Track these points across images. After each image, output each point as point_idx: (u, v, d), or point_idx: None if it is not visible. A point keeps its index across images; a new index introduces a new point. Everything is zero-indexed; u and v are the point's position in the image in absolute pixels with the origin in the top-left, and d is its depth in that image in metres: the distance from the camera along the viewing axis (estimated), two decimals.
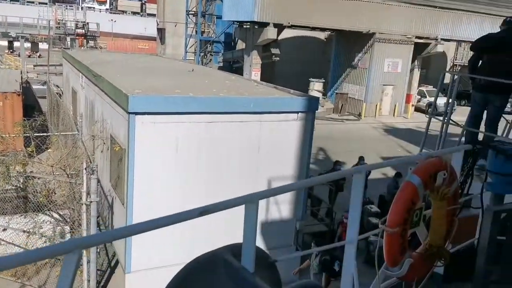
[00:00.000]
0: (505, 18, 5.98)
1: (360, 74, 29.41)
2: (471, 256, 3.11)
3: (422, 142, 5.47)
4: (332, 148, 19.24)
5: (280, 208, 8.75)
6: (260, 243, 8.76)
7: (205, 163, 7.90)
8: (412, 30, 28.51)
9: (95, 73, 10.25)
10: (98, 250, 8.27)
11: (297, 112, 8.51)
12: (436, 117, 6.07)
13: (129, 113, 7.11)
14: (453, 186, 2.79)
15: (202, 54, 35.78)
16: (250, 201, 2.01)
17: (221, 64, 34.13)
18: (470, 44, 6.05)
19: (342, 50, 30.88)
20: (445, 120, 5.30)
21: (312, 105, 8.61)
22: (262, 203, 7.75)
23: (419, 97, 32.01)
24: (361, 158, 13.30)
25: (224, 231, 8.49)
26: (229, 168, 8.12)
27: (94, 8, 70.65)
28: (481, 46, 5.90)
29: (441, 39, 29.47)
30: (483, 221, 3.04)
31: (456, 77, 6.03)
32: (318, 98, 9.36)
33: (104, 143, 9.51)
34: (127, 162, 7.31)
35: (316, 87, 30.00)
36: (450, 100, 5.65)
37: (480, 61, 5.84)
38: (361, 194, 2.50)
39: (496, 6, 29.82)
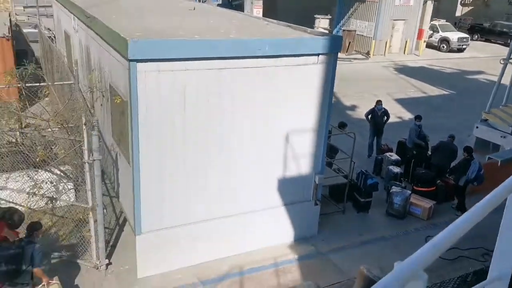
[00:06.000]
0: None
1: (369, 9, 27.63)
2: None
3: (506, 95, 4.64)
4: (342, 90, 18.25)
5: (300, 162, 8.06)
6: (278, 199, 8.16)
7: (216, 116, 7.10)
8: None
9: (88, 14, 9.13)
10: (104, 208, 7.66)
11: (318, 55, 7.56)
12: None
13: (130, 60, 6.19)
14: None
15: None
16: None
17: (220, 2, 32.16)
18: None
19: None
20: None
21: (334, 45, 7.61)
22: (279, 157, 6.82)
23: (431, 32, 30.33)
24: (379, 102, 12.42)
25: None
26: (251, 123, 7.37)
27: None
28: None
29: None
30: None
31: None
32: (341, 37, 8.33)
33: (103, 95, 8.64)
34: (130, 116, 6.51)
35: (322, 24, 28.35)
36: None
37: None
38: None
39: None
